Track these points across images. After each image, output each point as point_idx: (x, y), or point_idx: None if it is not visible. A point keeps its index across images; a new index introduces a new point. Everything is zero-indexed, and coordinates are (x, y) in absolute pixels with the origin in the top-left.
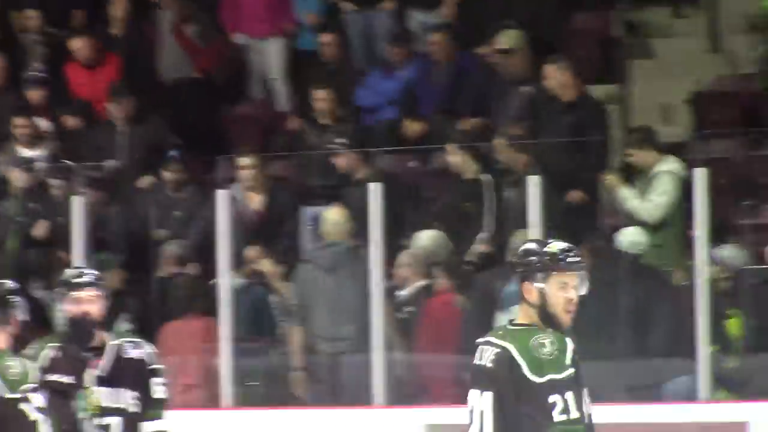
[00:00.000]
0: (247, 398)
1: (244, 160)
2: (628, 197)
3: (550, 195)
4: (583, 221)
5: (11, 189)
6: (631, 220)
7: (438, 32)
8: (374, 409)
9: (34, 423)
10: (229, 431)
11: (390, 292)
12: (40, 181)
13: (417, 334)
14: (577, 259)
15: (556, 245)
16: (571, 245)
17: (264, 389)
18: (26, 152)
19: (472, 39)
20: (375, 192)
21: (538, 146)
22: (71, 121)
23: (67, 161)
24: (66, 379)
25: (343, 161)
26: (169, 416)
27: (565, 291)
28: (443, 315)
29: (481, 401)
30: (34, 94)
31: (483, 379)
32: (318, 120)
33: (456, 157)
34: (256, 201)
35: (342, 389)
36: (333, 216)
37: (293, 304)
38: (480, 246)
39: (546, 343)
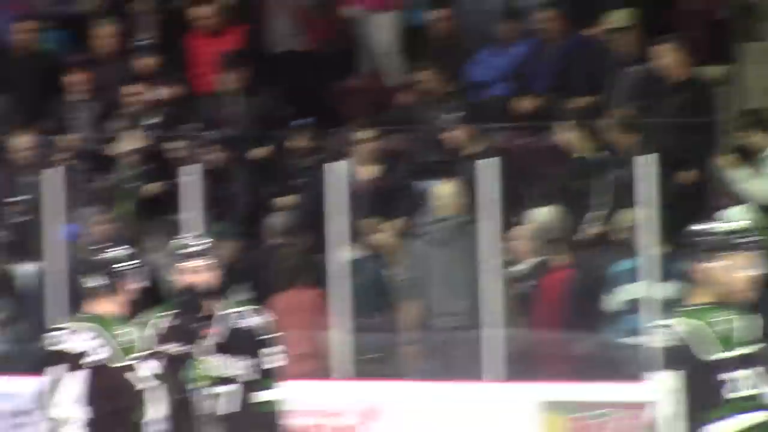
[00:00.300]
0: (359, 371)
1: (360, 134)
2: (741, 178)
3: (660, 175)
4: (693, 202)
5: (124, 155)
6: (741, 201)
7: (549, 9)
8: (487, 385)
9: (141, 392)
10: (341, 403)
11: (503, 268)
12: (154, 147)
13: (532, 310)
14: (750, 238)
15: (729, 224)
16: (745, 225)
17: (377, 362)
18: (139, 119)
19: (583, 17)
20: (489, 167)
21: (648, 126)
22: (183, 90)
23: (184, 127)
24: (177, 349)
25: (454, 137)
26: (281, 386)
27: (738, 270)
28: (559, 291)
29: (662, 382)
30: (145, 63)
31: (663, 359)
32: (429, 95)
33: (568, 135)
34: (369, 174)
35: (455, 364)
36: (445, 190)
37: (407, 279)
38: (591, 224)
39: (719, 321)
